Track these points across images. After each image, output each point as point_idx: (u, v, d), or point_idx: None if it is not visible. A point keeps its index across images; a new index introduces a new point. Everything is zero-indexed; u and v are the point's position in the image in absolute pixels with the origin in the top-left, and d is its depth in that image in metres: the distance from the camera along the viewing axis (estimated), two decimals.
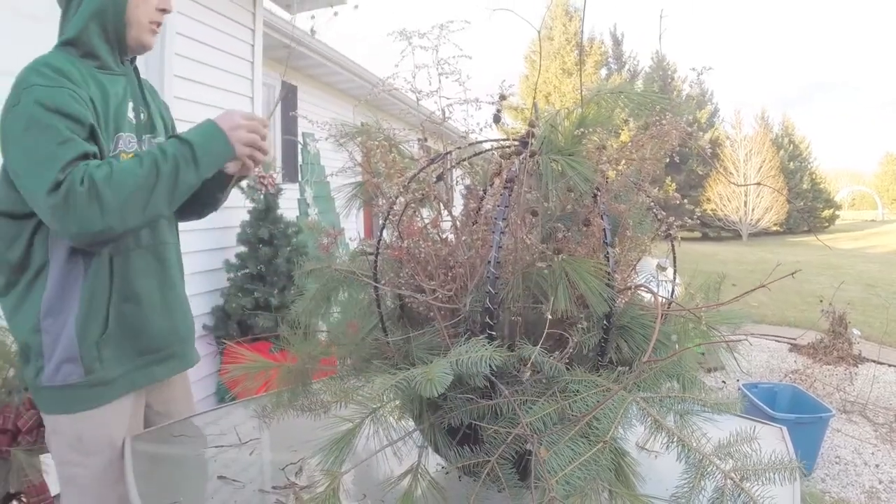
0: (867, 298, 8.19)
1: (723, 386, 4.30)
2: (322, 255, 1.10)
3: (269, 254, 3.61)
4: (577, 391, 0.83)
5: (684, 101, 25.56)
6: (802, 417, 2.99)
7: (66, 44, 1.23)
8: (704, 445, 0.77)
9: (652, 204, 1.03)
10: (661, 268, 1.10)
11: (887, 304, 6.20)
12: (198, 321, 3.50)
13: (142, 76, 1.44)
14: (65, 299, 1.20)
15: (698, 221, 1.01)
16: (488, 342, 0.79)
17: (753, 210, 23.68)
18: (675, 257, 1.07)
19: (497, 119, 0.96)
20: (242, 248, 3.71)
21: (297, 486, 1.02)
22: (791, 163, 26.49)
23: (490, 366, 0.78)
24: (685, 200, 1.02)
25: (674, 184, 23.51)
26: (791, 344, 5.63)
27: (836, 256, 15.48)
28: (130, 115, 1.31)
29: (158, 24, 1.34)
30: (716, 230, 24.72)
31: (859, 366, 4.80)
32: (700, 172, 24.09)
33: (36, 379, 1.20)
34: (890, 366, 5.11)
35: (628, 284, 0.98)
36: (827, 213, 28.25)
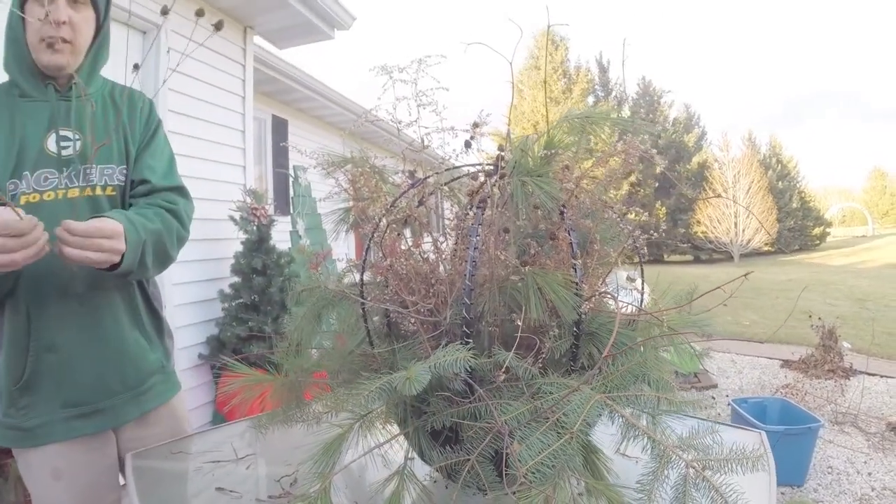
0: (858, 313, 8.27)
1: (712, 402, 4.35)
2: (313, 273, 1.17)
3: (262, 283, 3.67)
4: (550, 392, 0.89)
5: (671, 124, 26.01)
6: (791, 428, 3.03)
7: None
8: (668, 437, 0.83)
9: (619, 219, 1.11)
10: (631, 279, 1.18)
11: (874, 317, 6.29)
12: (193, 350, 3.57)
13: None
14: None
15: (660, 235, 1.08)
16: (464, 347, 0.86)
17: (744, 231, 23.88)
18: (642, 269, 1.15)
19: (468, 145, 1.04)
20: (236, 279, 3.77)
21: (292, 496, 1.07)
22: (780, 182, 26.83)
23: (467, 369, 0.85)
24: (647, 214, 1.10)
25: (664, 208, 23.76)
26: (781, 360, 5.69)
27: (828, 273, 15.61)
28: (50, 146, 1.24)
29: (62, 40, 1.21)
30: (707, 252, 24.88)
31: (851, 378, 4.86)
32: (690, 196, 24.33)
33: None
34: (882, 377, 5.16)
35: (594, 293, 1.05)
36: (817, 230, 28.52)
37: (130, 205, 1.35)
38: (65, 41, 1.22)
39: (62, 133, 1.25)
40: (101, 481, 1.31)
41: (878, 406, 4.37)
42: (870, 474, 3.25)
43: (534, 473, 0.74)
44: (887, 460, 3.42)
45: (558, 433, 0.81)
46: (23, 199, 1.20)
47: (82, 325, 1.27)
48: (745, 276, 0.94)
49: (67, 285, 1.24)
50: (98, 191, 1.30)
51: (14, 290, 1.22)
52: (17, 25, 1.21)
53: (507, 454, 0.79)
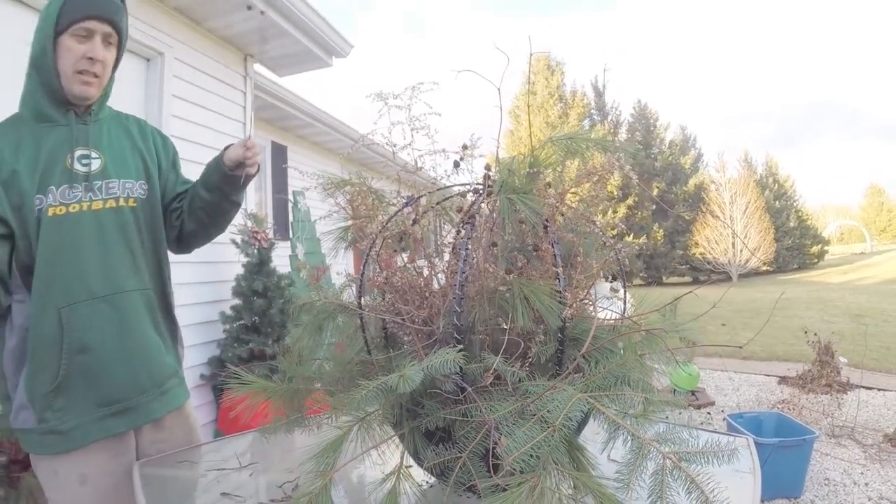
0: (856, 328, 8.31)
1: (708, 418, 4.38)
2: (314, 285, 1.24)
3: (263, 305, 3.73)
4: (536, 394, 0.95)
5: (668, 147, 26.23)
6: (786, 440, 3.07)
7: (21, 106, 1.37)
8: (646, 431, 0.89)
9: (601, 233, 1.19)
10: (615, 290, 1.25)
11: (868, 331, 6.33)
12: (195, 371, 3.61)
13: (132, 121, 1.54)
14: (21, 349, 1.31)
15: (641, 247, 1.15)
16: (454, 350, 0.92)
17: (741, 251, 23.92)
18: (623, 279, 1.22)
19: (457, 165, 1.12)
20: (237, 301, 3.84)
21: (294, 497, 1.13)
22: (777, 202, 26.95)
23: (459, 373, 0.91)
24: (645, 236, 1.17)
25: (661, 230, 23.84)
26: (778, 377, 5.72)
27: (827, 291, 15.65)
28: (73, 163, 1.35)
29: (94, 75, 1.36)
30: (706, 273, 24.90)
31: (848, 392, 4.90)
32: (687, 217, 24.41)
33: (8, 419, 1.33)
34: (879, 390, 5.20)
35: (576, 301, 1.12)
36: (815, 248, 28.59)
37: (176, 209, 1.56)
38: (95, 76, 1.36)
39: (83, 152, 1.38)
40: (122, 485, 1.36)
41: (875, 419, 4.40)
42: (867, 485, 3.28)
43: (519, 463, 0.80)
44: (884, 471, 3.45)
45: (543, 428, 0.88)
46: (50, 211, 1.31)
47: (110, 325, 1.36)
48: (710, 278, 1.01)
49: (95, 288, 1.34)
50: (121, 202, 1.42)
51: (44, 295, 1.29)
52: (49, 55, 1.32)
53: (494, 447, 0.85)
